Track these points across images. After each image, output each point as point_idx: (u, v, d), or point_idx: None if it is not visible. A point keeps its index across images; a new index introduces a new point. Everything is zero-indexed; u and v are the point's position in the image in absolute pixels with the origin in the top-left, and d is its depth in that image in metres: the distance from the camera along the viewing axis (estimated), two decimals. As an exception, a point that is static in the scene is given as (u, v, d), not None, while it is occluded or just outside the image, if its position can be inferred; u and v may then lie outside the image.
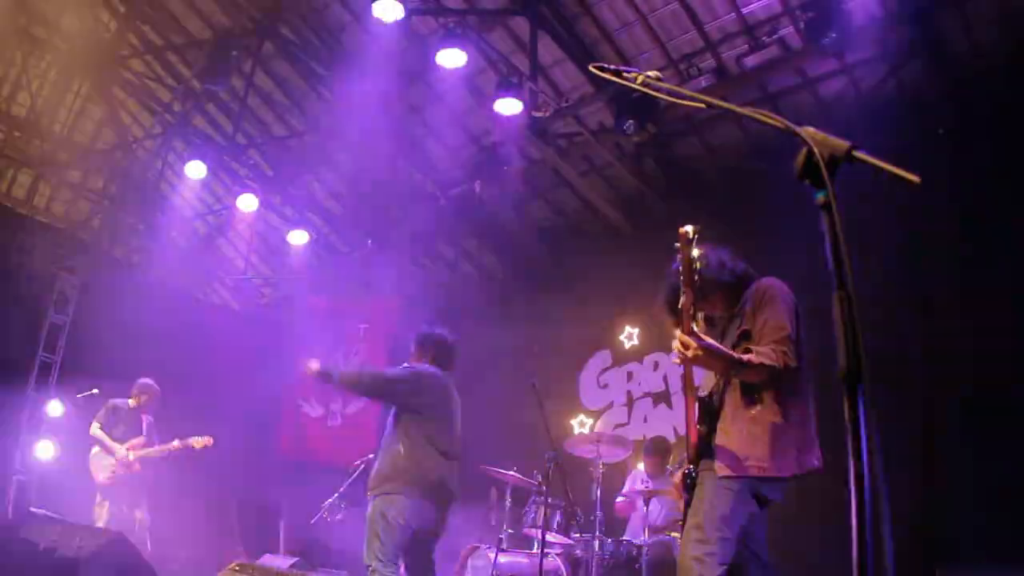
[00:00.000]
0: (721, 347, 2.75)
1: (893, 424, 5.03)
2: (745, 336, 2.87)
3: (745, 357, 2.71)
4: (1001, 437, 4.99)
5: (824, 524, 4.44)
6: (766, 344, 2.76)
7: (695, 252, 2.64)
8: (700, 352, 2.63)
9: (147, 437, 6.66)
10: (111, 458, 6.51)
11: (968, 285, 5.38)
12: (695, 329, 2.66)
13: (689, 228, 2.66)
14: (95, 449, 6.61)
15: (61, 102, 9.46)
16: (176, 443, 6.50)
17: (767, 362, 2.69)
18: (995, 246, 5.35)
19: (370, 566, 4.02)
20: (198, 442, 6.47)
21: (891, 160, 1.26)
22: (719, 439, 2.82)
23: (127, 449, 6.48)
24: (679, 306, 2.69)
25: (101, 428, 6.66)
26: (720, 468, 2.76)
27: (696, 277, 2.64)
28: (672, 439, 6.96)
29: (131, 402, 6.79)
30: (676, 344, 2.67)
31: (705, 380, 3.05)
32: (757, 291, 2.92)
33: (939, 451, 5.31)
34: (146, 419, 6.78)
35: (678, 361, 2.71)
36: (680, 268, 2.67)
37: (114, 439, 6.58)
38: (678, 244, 2.66)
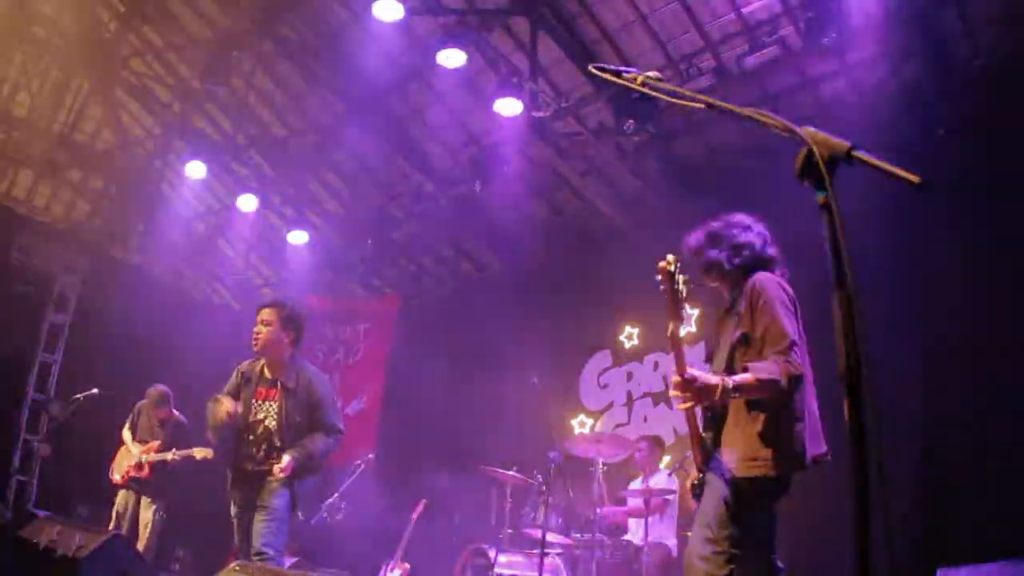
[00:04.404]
0: (716, 379, 2.69)
1: (893, 422, 5.02)
2: (744, 340, 2.84)
3: (745, 379, 2.68)
4: (1002, 436, 5.00)
5: (825, 523, 4.45)
6: (768, 355, 2.72)
7: (680, 279, 2.61)
8: (697, 393, 2.64)
9: (167, 440, 6.47)
10: (128, 459, 6.49)
11: (969, 284, 5.38)
12: (690, 370, 2.64)
13: (670, 258, 2.61)
14: (121, 450, 6.62)
15: (61, 102, 9.45)
16: (174, 453, 6.24)
17: (766, 377, 2.65)
18: (995, 246, 5.35)
19: None
20: (199, 452, 6.11)
21: (891, 160, 1.26)
22: (725, 441, 2.82)
23: (141, 452, 6.45)
24: (667, 335, 2.67)
25: (128, 429, 6.67)
26: (727, 470, 2.76)
27: (683, 307, 2.64)
28: (672, 439, 6.96)
29: (150, 407, 6.76)
30: (673, 390, 2.67)
31: None
32: (752, 291, 2.86)
33: (940, 450, 5.30)
34: (169, 423, 6.68)
35: (681, 407, 2.71)
36: (665, 299, 2.63)
37: (135, 440, 6.58)
38: (659, 277, 2.61)
